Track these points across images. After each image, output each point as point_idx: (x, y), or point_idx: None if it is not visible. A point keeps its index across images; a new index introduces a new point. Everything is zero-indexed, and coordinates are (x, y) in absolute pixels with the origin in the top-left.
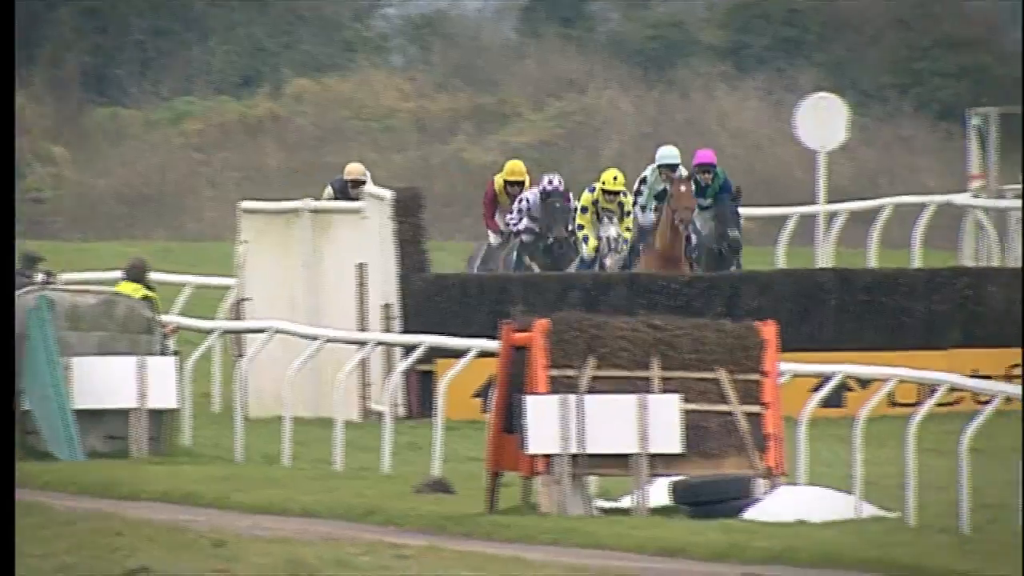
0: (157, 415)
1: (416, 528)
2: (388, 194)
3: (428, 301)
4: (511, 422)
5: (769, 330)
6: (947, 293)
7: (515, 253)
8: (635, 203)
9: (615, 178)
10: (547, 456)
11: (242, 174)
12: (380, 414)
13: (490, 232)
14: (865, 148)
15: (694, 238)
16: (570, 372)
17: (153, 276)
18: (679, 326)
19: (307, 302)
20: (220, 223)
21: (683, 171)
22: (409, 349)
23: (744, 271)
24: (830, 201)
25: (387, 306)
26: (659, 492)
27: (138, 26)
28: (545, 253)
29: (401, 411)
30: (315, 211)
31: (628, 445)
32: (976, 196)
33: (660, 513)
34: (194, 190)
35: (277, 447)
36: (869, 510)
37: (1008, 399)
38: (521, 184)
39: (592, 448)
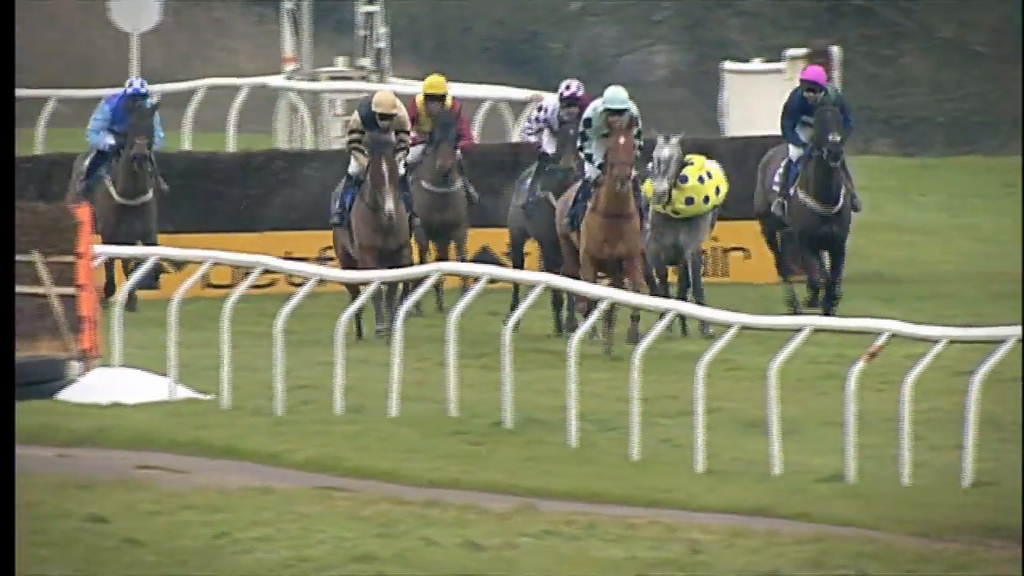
0: None
1: None
2: None
3: None
4: None
5: (83, 212)
6: (263, 176)
7: (529, 181)
8: (580, 149)
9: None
10: None
11: None
12: None
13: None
14: (178, 31)
15: (643, 195)
16: None
17: None
18: None
19: None
20: None
21: (632, 114)
22: None
23: (61, 152)
24: None
25: None
26: None
27: None
28: (551, 177)
29: None
30: None
31: None
32: (290, 79)
33: None
34: None
35: None
36: (184, 392)
37: (321, 281)
38: (442, 98)
39: None
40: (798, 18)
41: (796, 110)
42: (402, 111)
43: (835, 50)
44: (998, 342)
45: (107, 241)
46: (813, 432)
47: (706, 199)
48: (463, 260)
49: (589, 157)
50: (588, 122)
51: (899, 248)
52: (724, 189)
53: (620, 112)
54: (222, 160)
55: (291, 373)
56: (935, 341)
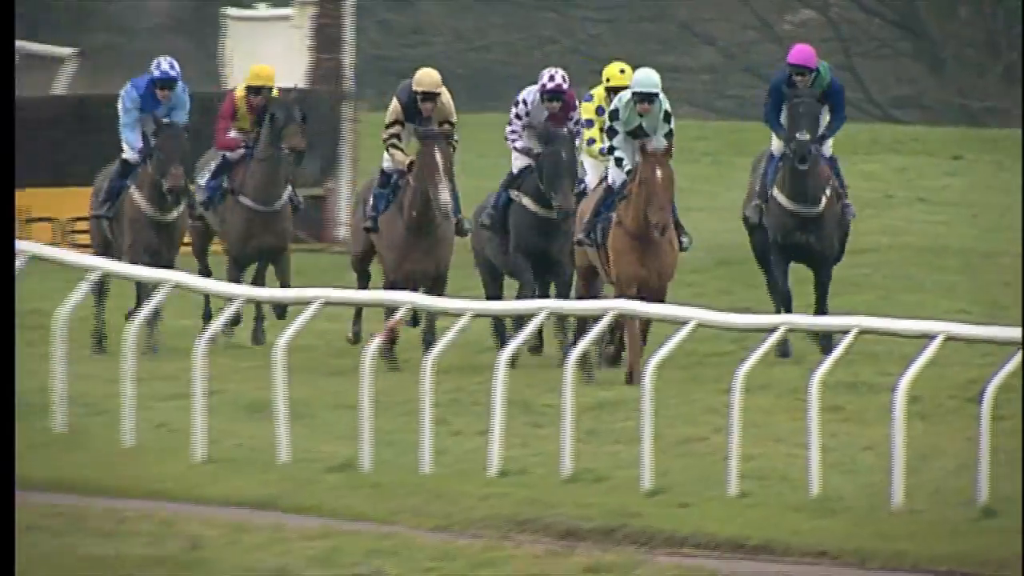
0: None
1: None
2: None
3: None
4: None
5: None
6: None
7: (501, 187)
8: (610, 151)
9: (621, 71)
10: None
11: None
12: None
13: (221, 152)
14: None
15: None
16: None
17: None
18: None
19: None
20: None
21: (662, 103)
22: None
23: None
24: None
25: None
26: None
27: None
28: (541, 199)
29: None
30: None
31: None
32: None
33: None
34: None
35: None
36: None
37: None
38: (268, 91)
39: None
40: None
41: (779, 95)
42: (446, 93)
43: None
44: (530, 316)
45: (134, 259)
46: (324, 416)
47: None
48: (286, 286)
49: (619, 161)
50: (615, 114)
51: None
52: None
53: (651, 97)
54: None
55: None
56: (458, 315)
